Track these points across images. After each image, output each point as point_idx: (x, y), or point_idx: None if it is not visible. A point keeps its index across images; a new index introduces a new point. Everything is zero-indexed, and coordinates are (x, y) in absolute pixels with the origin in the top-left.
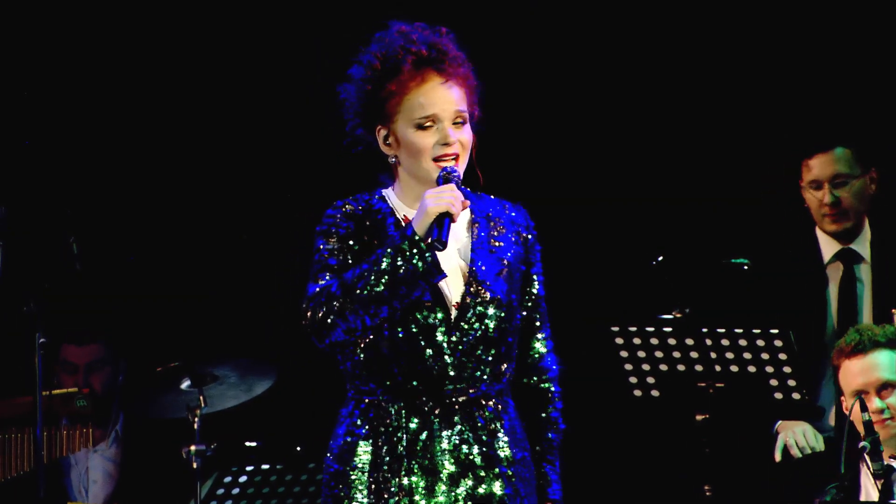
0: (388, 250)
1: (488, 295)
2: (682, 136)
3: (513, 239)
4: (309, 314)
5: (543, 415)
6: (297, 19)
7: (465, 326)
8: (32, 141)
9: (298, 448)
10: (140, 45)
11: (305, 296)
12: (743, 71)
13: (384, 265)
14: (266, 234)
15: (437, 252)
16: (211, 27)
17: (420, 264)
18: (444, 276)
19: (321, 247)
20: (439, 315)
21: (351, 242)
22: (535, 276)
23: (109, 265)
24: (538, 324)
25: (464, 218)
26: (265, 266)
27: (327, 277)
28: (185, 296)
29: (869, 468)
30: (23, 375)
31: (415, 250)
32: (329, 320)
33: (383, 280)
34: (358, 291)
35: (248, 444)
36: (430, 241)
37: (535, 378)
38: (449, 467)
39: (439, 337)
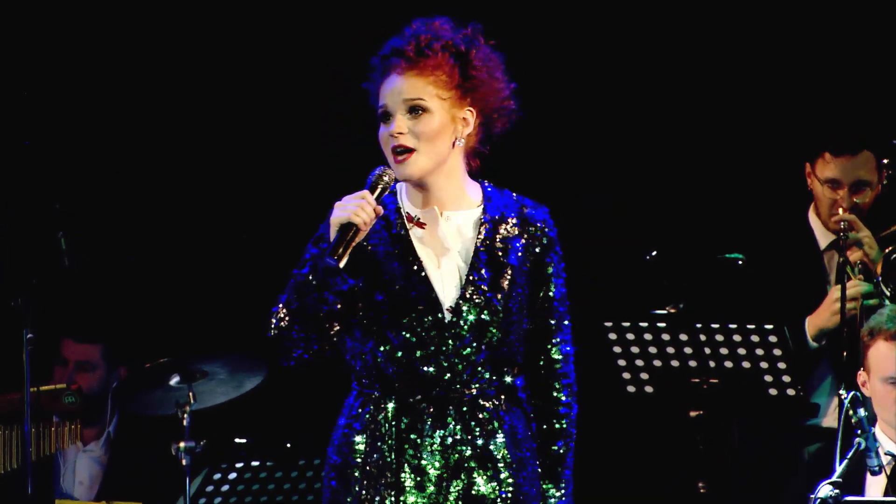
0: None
1: (483, 299)
2: (675, 130)
3: (524, 241)
4: (267, 333)
5: (546, 426)
6: (295, 19)
7: (459, 331)
8: (26, 136)
9: (289, 444)
10: (140, 40)
11: None
12: (739, 66)
13: (301, 278)
14: (256, 228)
15: (334, 261)
16: (208, 25)
17: (311, 277)
18: (347, 284)
19: (307, 257)
20: (430, 319)
21: None
22: (551, 280)
23: (99, 261)
24: (553, 329)
25: (472, 217)
26: (255, 261)
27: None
28: (175, 291)
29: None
30: (12, 371)
31: (318, 262)
32: (278, 341)
33: (300, 291)
34: (293, 306)
35: (237, 440)
36: (327, 252)
37: (544, 386)
38: (439, 467)
39: (431, 341)
